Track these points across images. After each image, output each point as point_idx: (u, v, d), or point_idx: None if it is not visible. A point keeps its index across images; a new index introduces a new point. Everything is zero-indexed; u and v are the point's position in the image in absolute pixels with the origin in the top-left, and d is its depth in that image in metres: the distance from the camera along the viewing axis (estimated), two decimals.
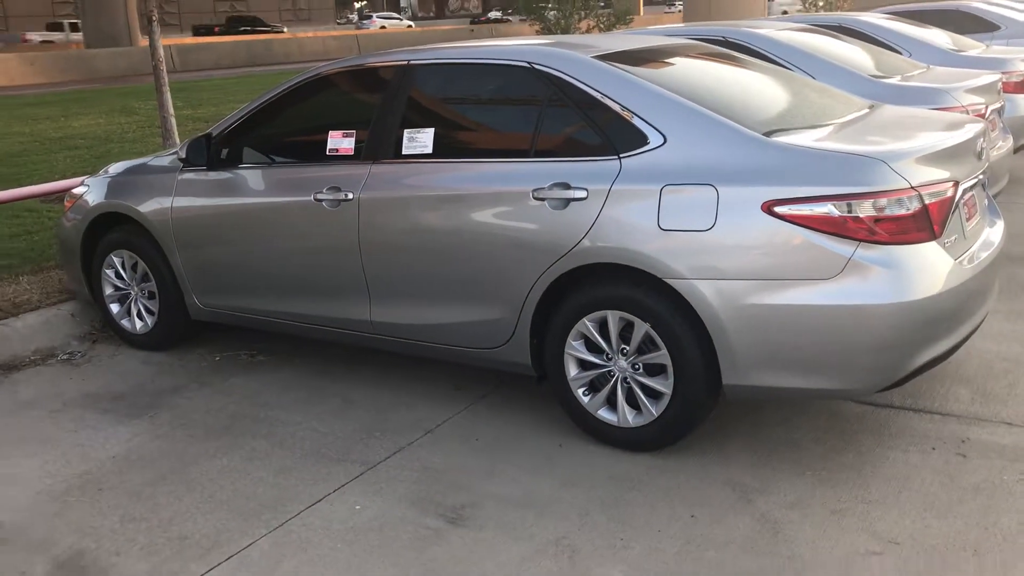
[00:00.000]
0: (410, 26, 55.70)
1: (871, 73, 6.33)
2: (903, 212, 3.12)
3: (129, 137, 12.49)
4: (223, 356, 4.93)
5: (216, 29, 45.70)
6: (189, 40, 39.22)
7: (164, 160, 4.91)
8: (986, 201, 3.94)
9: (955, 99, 5.87)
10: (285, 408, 4.22)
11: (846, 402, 3.91)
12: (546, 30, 21.07)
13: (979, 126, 3.80)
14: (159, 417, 4.19)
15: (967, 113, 5.36)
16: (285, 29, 47.48)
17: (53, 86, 25.51)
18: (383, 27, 52.71)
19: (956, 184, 3.36)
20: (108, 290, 5.09)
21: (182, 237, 4.63)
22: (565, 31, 20.53)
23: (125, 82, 25.59)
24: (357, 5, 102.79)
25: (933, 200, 3.20)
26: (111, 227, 5.02)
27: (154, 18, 8.53)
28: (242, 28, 45.49)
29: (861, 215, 3.10)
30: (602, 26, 21.49)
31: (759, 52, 6.36)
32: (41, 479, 3.67)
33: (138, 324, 5.02)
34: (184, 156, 4.58)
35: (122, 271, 5.02)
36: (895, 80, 6.28)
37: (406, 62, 4.11)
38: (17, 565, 3.08)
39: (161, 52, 8.63)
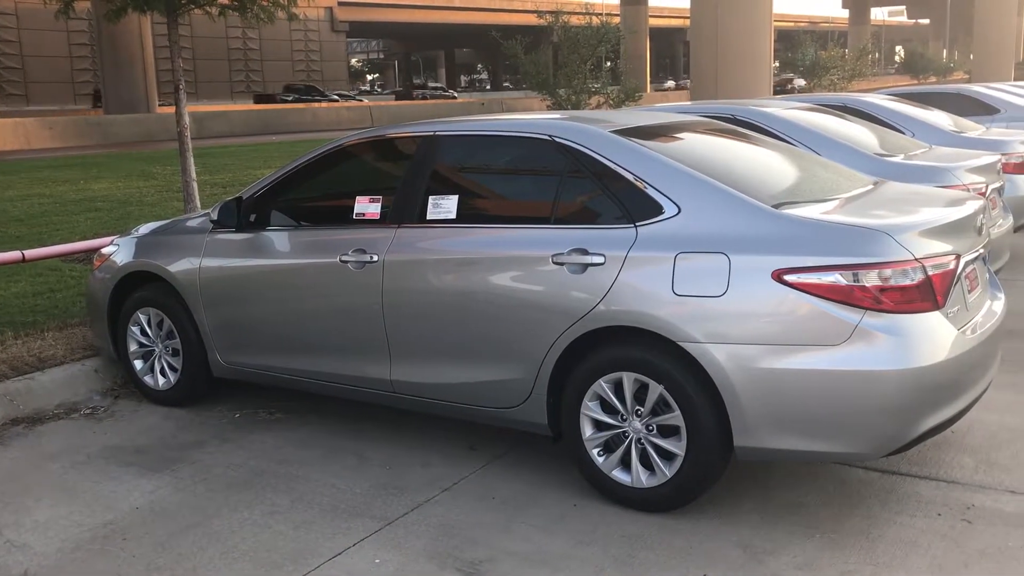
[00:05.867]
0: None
1: (875, 151, 6.55)
2: (907, 282, 3.27)
3: (148, 200, 12.77)
4: (242, 413, 5.04)
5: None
6: (204, 108, 40.09)
7: (194, 221, 5.10)
8: (987, 275, 4.09)
9: (957, 178, 6.07)
10: (304, 464, 4.31)
11: (854, 467, 4.00)
12: (557, 106, 21.55)
13: (979, 202, 3.97)
14: (181, 471, 4.29)
15: (968, 191, 5.54)
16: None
17: (70, 150, 26.00)
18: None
19: (958, 257, 3.51)
20: (133, 347, 5.22)
21: (209, 296, 4.79)
22: (575, 107, 21.00)
23: (141, 147, 26.10)
24: (369, 78, 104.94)
25: (936, 272, 3.35)
26: (138, 286, 5.18)
27: (181, 86, 8.84)
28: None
29: (867, 284, 3.24)
30: (612, 102, 21.98)
31: (767, 130, 6.59)
32: (66, 529, 3.75)
33: (161, 381, 5.14)
34: (215, 218, 4.76)
35: (147, 328, 5.16)
36: (899, 159, 6.48)
37: (432, 133, 4.32)
38: None
39: (186, 119, 8.93)
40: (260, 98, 50.62)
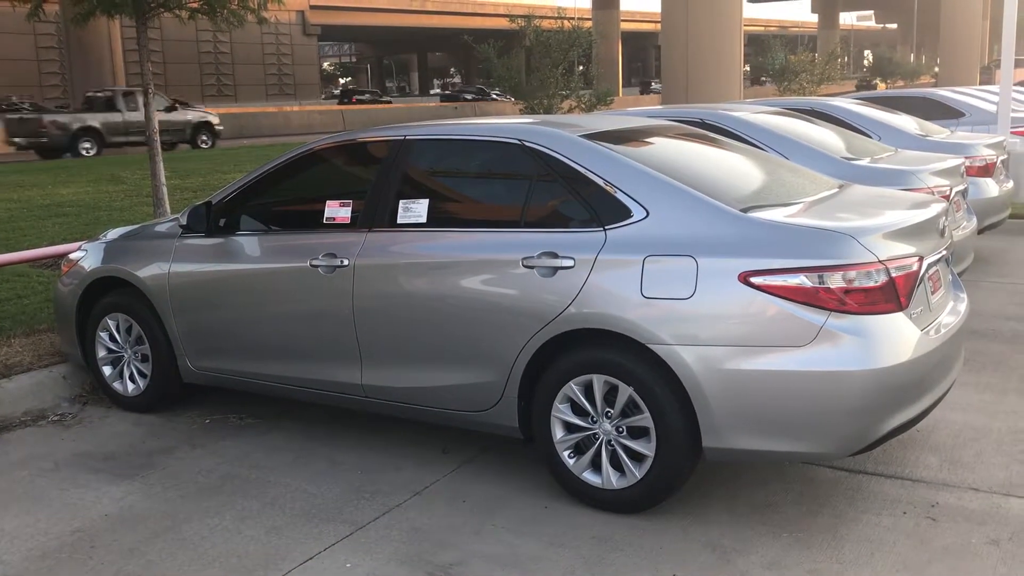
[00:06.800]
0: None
1: (842, 155, 6.63)
2: (871, 284, 3.32)
3: (117, 205, 12.65)
4: (212, 419, 5.01)
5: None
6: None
7: (163, 226, 5.07)
8: (950, 276, 4.16)
9: (921, 181, 6.16)
10: (275, 470, 4.30)
11: (821, 466, 4.05)
12: (529, 109, 21.59)
13: (941, 205, 4.04)
14: (151, 477, 4.26)
15: (932, 194, 5.63)
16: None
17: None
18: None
19: (921, 259, 3.57)
20: (101, 353, 5.18)
21: (178, 301, 4.76)
22: (548, 111, 21.05)
23: (110, 152, 25.81)
24: (342, 81, 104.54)
25: (899, 273, 3.40)
26: (107, 291, 5.14)
27: (150, 90, 8.78)
28: None
29: (832, 286, 3.29)
30: (584, 106, 22.04)
31: (735, 134, 6.65)
32: (33, 536, 3.71)
33: (130, 387, 5.11)
34: (184, 223, 4.74)
35: (116, 334, 5.12)
36: (865, 162, 6.57)
37: (403, 137, 4.32)
38: None
39: (156, 123, 8.87)
40: (446, 98, 59.39)
